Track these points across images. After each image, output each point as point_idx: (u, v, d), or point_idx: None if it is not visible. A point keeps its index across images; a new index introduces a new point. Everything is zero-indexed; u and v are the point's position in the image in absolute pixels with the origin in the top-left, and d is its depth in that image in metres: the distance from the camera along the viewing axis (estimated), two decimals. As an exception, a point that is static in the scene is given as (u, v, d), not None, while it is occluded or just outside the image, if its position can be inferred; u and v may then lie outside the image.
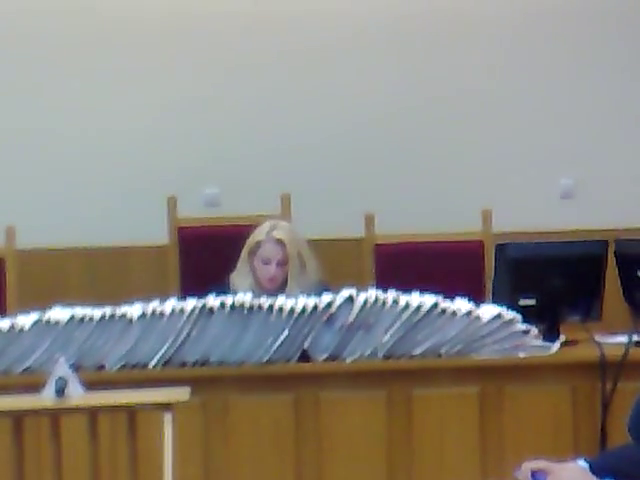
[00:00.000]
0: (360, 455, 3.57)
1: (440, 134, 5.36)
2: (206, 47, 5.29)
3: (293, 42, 5.31)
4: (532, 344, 3.64)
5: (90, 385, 3.04)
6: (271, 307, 3.57)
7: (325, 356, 3.60)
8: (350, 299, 3.59)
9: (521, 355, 3.62)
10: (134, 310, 3.57)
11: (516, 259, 3.82)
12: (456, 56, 5.36)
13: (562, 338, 3.75)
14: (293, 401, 3.57)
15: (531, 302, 3.75)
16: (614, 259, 3.89)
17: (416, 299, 3.60)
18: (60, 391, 2.93)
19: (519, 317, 3.63)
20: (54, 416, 2.98)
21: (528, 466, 2.39)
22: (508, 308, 3.64)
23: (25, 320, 3.55)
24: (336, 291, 3.64)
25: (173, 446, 2.91)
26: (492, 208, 4.68)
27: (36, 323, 3.53)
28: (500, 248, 3.88)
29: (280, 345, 3.58)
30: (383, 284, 3.80)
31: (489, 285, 4.05)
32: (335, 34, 5.33)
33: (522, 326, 3.63)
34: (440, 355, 3.61)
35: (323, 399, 3.58)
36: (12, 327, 3.54)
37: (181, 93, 5.28)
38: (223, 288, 3.95)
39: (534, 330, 3.65)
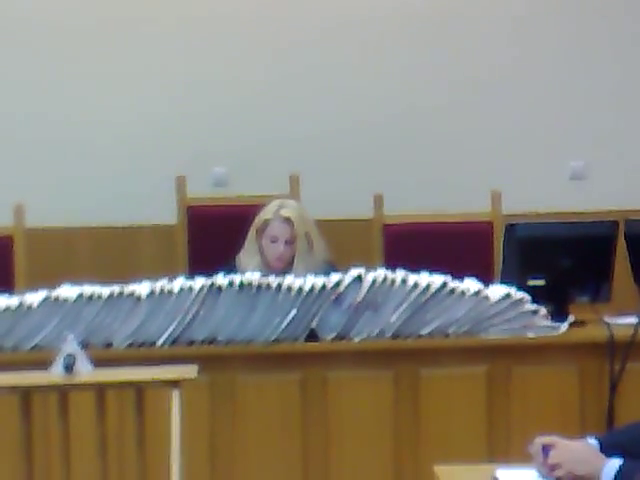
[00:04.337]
0: (367, 434, 3.57)
1: (450, 114, 5.34)
2: (214, 27, 5.28)
3: (302, 23, 5.30)
4: (541, 324, 3.63)
5: (98, 363, 3.04)
6: (279, 286, 3.57)
7: (333, 335, 3.60)
8: (358, 278, 3.59)
9: (530, 335, 3.62)
10: (142, 288, 3.57)
11: (525, 239, 3.81)
12: (465, 38, 5.34)
13: (571, 318, 3.74)
14: (300, 380, 3.58)
15: (540, 282, 3.74)
16: (624, 240, 3.88)
17: (425, 279, 3.60)
18: (69, 368, 2.94)
19: (528, 297, 3.62)
20: (62, 392, 2.99)
21: (540, 440, 2.40)
22: (517, 288, 3.63)
23: (34, 298, 3.55)
24: (344, 271, 3.64)
25: (181, 423, 2.91)
26: (501, 189, 4.67)
27: (45, 301, 3.54)
28: (509, 228, 3.87)
29: (288, 324, 3.58)
30: (392, 264, 3.79)
31: (498, 265, 4.04)
32: (343, 15, 5.31)
33: (531, 306, 3.62)
34: (448, 335, 3.61)
35: (330, 378, 3.58)
36: (21, 304, 3.54)
37: (190, 73, 5.27)
38: (231, 267, 3.95)
39: (543, 310, 3.65)
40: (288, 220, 4.06)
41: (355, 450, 3.56)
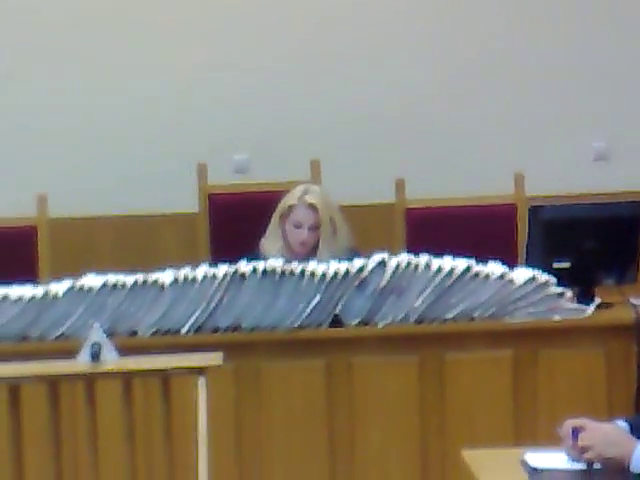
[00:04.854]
0: (392, 420, 3.56)
1: (471, 97, 5.32)
2: (234, 13, 5.26)
3: (322, 9, 5.28)
4: (567, 307, 3.62)
5: (123, 351, 3.05)
6: (303, 272, 3.56)
7: (357, 321, 3.60)
8: (382, 263, 3.57)
9: (555, 318, 3.60)
10: (166, 276, 3.57)
11: (550, 222, 3.79)
12: (483, 19, 5.31)
13: (597, 301, 3.72)
14: (325, 366, 3.57)
15: (565, 265, 3.72)
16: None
17: (448, 263, 3.59)
18: (95, 356, 2.94)
19: (553, 280, 3.60)
20: (89, 381, 3.00)
21: (570, 423, 2.40)
22: (542, 271, 3.62)
23: (58, 287, 3.56)
24: (367, 256, 3.63)
25: (207, 410, 2.91)
26: (524, 171, 4.65)
27: (69, 290, 3.54)
28: (534, 211, 3.85)
29: (312, 310, 3.57)
30: (414, 249, 3.78)
31: (522, 249, 4.02)
32: (361, 1, 5.29)
33: (556, 289, 3.60)
34: (473, 319, 3.59)
35: (355, 364, 3.58)
36: (46, 294, 3.55)
37: (210, 60, 5.26)
38: (253, 254, 3.95)
39: (568, 293, 3.63)
40: (313, 206, 4.05)
41: (381, 435, 3.55)
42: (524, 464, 2.44)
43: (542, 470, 2.40)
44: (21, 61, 5.23)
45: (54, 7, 5.22)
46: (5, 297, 3.54)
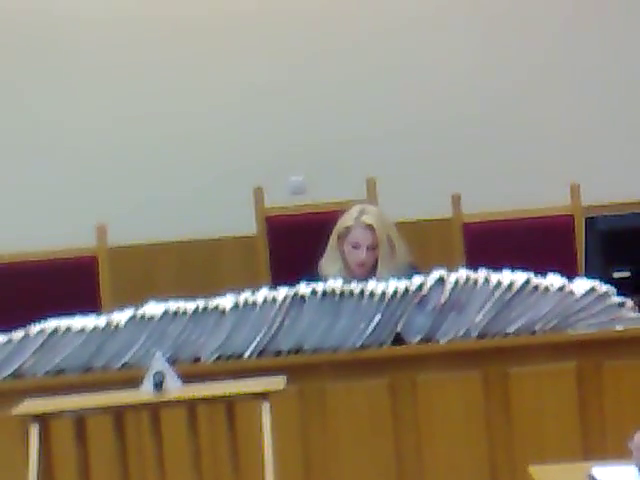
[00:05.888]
0: (459, 435, 3.55)
1: (525, 108, 5.29)
2: (289, 33, 5.29)
3: (372, 24, 5.30)
4: (629, 316, 3.58)
5: (187, 378, 3.07)
6: (362, 292, 3.57)
7: (419, 338, 3.59)
8: (441, 280, 3.57)
9: (618, 328, 3.56)
10: (226, 301, 3.59)
11: (607, 232, 3.77)
12: (538, 31, 5.29)
13: (660, 309, 3.68)
14: (389, 384, 3.57)
15: (625, 274, 3.69)
16: None
17: (507, 277, 3.57)
18: (158, 385, 2.97)
19: (613, 290, 3.57)
20: (154, 410, 3.03)
21: None
22: (602, 281, 3.58)
23: (120, 317, 3.59)
24: (426, 273, 3.63)
25: (272, 433, 2.92)
26: (580, 181, 4.62)
27: (131, 319, 3.58)
28: (590, 221, 3.83)
29: (373, 329, 3.57)
30: (473, 263, 3.77)
31: (581, 259, 3.99)
32: (414, 15, 5.29)
33: (617, 299, 3.57)
34: (535, 332, 3.57)
35: (419, 381, 3.57)
36: (108, 324, 3.58)
37: (263, 83, 5.30)
38: (313, 275, 3.96)
39: (630, 302, 3.59)
40: (370, 227, 4.06)
41: (448, 452, 3.54)
42: (592, 479, 2.41)
43: (610, 485, 2.38)
44: (80, 91, 5.29)
45: (105, 21, 5.27)
46: (68, 328, 3.58)
